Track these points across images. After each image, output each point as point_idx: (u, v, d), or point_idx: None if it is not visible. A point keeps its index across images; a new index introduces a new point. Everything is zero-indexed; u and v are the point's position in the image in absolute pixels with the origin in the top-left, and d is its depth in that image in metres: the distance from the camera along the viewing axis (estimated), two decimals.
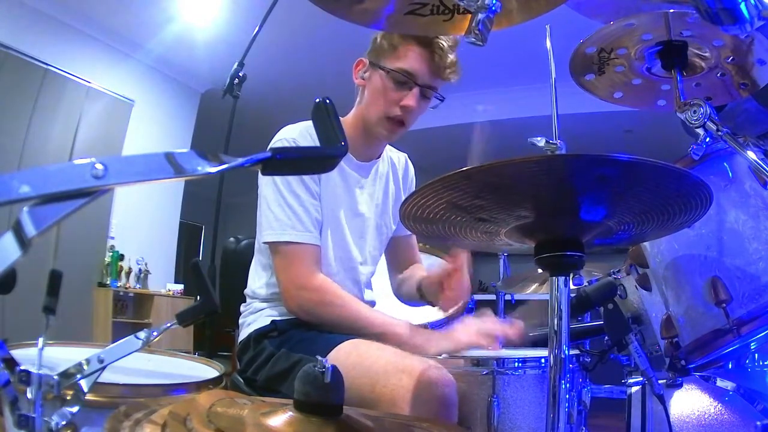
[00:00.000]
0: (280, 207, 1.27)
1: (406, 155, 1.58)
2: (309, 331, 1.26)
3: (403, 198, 1.53)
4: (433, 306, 1.46)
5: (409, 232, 1.53)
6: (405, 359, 1.06)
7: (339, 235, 1.36)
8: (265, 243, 1.30)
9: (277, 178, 1.28)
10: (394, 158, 1.53)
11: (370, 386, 1.03)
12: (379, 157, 1.47)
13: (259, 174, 1.31)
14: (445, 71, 1.30)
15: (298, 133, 1.33)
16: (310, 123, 1.33)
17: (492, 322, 1.22)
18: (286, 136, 1.33)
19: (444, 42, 1.28)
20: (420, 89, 1.30)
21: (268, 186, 1.30)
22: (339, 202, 1.36)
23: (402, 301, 1.59)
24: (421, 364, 1.03)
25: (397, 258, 1.58)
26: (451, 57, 1.29)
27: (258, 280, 1.38)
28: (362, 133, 1.38)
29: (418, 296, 1.46)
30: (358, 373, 1.04)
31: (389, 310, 1.32)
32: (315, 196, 1.31)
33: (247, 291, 1.42)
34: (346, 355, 1.10)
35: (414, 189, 1.56)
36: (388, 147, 1.52)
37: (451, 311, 1.45)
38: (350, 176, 1.39)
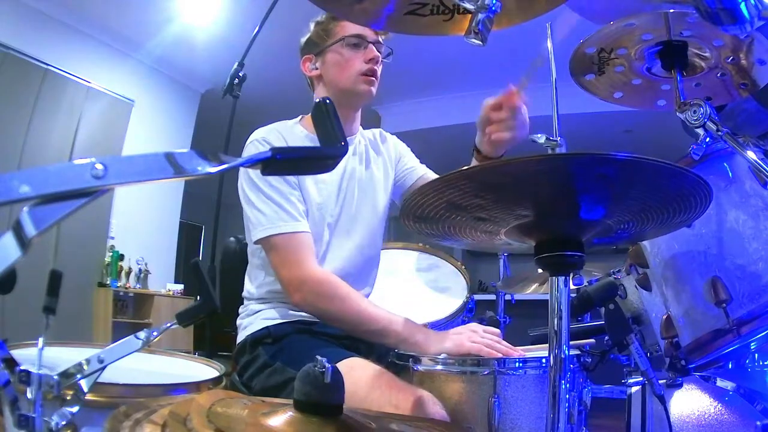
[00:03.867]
0: (264, 203, 1.29)
1: (380, 129, 1.61)
2: (303, 340, 1.26)
3: (388, 163, 1.54)
4: (481, 153, 1.29)
5: (419, 174, 1.56)
6: (399, 393, 1.03)
7: (321, 215, 1.36)
8: (257, 242, 1.31)
9: (255, 177, 1.30)
10: (368, 135, 1.56)
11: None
12: (353, 135, 1.49)
13: (239, 178, 1.32)
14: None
15: (267, 132, 1.38)
16: (282, 123, 1.41)
17: (496, 337, 1.20)
18: (257, 137, 1.37)
19: None
20: (373, 46, 1.39)
21: (248, 187, 1.32)
22: (316, 180, 1.37)
23: None
24: (414, 398, 1.00)
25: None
26: None
27: (253, 280, 1.40)
28: None
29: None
30: (348, 402, 1.02)
31: (390, 309, 1.31)
32: (294, 186, 1.32)
33: (243, 293, 1.43)
34: None
35: (401, 148, 1.59)
36: (361, 130, 1.53)
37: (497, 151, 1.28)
38: None
